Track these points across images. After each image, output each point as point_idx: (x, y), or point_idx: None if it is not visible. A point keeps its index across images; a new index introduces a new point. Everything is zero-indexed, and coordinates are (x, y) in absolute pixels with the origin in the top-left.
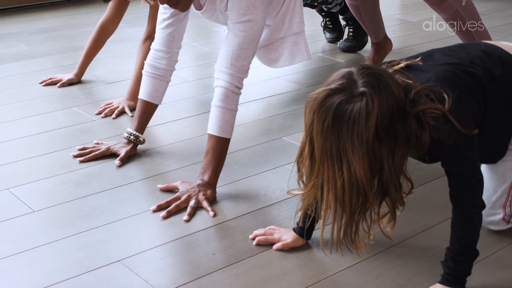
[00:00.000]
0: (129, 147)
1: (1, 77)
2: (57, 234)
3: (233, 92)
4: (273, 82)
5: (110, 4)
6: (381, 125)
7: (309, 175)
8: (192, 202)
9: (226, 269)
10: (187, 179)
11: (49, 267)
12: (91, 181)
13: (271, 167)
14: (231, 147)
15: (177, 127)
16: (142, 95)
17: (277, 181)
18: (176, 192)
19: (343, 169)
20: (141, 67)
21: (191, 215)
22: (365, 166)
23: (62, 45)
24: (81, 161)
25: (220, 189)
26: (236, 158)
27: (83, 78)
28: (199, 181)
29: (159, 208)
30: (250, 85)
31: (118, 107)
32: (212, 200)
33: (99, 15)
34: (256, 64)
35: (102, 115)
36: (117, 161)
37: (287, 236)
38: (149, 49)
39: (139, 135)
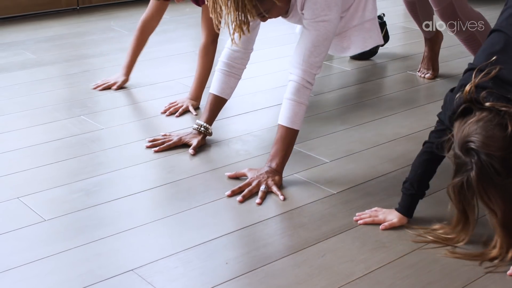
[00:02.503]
0: (199, 137)
1: (7, 86)
2: (69, 243)
3: (305, 86)
4: (281, 90)
5: (151, 2)
6: None
7: None
8: (262, 187)
9: (239, 278)
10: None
11: (61, 277)
12: (101, 190)
13: (284, 176)
14: (242, 156)
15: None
16: (215, 90)
17: (290, 190)
18: (244, 179)
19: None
20: (205, 70)
21: (263, 198)
22: None
23: (68, 53)
24: (156, 151)
25: (232, 198)
26: (238, 168)
27: (89, 86)
28: (266, 168)
29: (233, 193)
30: (258, 93)
31: (182, 105)
32: (280, 186)
33: (105, 23)
34: (264, 72)
35: (167, 113)
36: (190, 150)
37: (392, 216)
38: (212, 52)
39: (209, 126)
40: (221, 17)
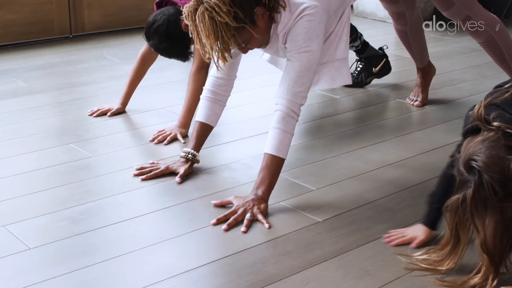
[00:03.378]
0: (187, 165)
1: None
2: (53, 271)
3: (290, 115)
4: (269, 118)
5: None
6: None
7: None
8: (248, 215)
9: None
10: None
11: None
12: (88, 217)
13: (268, 204)
14: (229, 183)
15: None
16: (201, 117)
17: (276, 218)
18: (230, 207)
19: None
20: (194, 98)
21: (248, 226)
22: None
23: (60, 81)
24: (143, 179)
25: (218, 226)
26: (233, 194)
27: (80, 114)
28: (252, 196)
29: (218, 222)
30: (247, 121)
31: (170, 133)
32: (266, 213)
33: (98, 51)
34: (253, 100)
35: (156, 141)
36: (177, 178)
37: (418, 232)
38: (202, 79)
39: (196, 154)
40: (205, 47)
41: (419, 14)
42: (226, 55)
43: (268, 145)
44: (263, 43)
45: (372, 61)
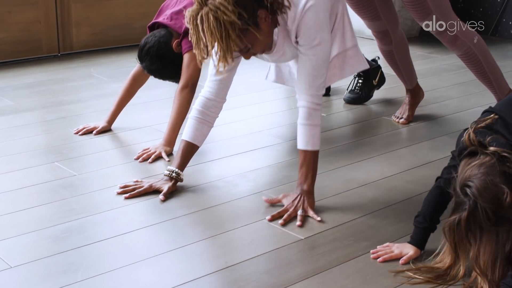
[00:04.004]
0: (170, 183)
1: None
2: None
3: (315, 109)
4: (255, 136)
5: None
6: None
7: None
8: (300, 211)
9: None
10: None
11: None
12: (70, 236)
13: (251, 221)
14: (212, 201)
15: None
16: (188, 137)
17: (258, 236)
18: (280, 205)
19: None
20: (180, 115)
21: (302, 221)
22: None
23: (47, 100)
24: (126, 198)
25: (201, 243)
26: (216, 213)
27: (66, 132)
28: (299, 191)
29: (273, 218)
30: (232, 139)
31: (155, 152)
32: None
33: (86, 69)
34: (238, 118)
35: (140, 159)
36: (161, 196)
37: (407, 249)
38: (188, 98)
39: (180, 172)
40: (204, 53)
41: (403, 34)
42: (228, 57)
43: (301, 142)
44: (266, 48)
45: (371, 74)
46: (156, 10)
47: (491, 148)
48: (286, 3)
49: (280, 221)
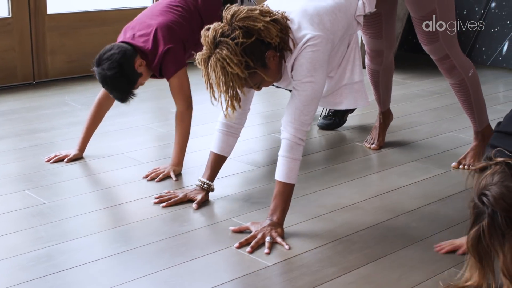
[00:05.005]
0: (203, 193)
1: None
2: None
3: (297, 143)
4: (228, 162)
5: None
6: None
7: None
8: (268, 238)
9: None
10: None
11: None
12: (37, 264)
13: (219, 248)
14: (180, 229)
15: (127, 209)
16: (216, 149)
17: (225, 262)
18: (248, 232)
19: None
20: (185, 136)
21: (270, 248)
22: None
23: (20, 128)
24: (164, 207)
25: (168, 271)
26: (184, 240)
27: (37, 161)
28: (268, 221)
29: (241, 245)
30: (203, 166)
31: (163, 171)
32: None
33: (60, 97)
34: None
35: (148, 178)
36: (194, 205)
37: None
38: (189, 117)
39: (211, 183)
40: (214, 94)
41: (393, 60)
42: (236, 103)
43: (279, 173)
44: (275, 80)
45: None
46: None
47: (498, 159)
48: (290, 44)
49: (248, 248)
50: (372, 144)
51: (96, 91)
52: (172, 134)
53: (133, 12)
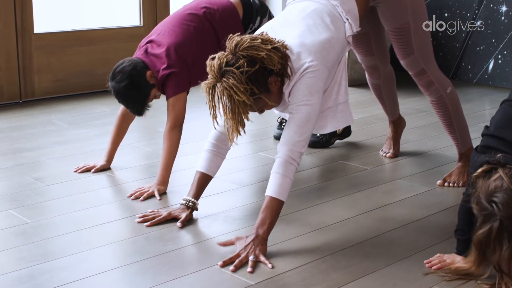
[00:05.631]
0: (188, 211)
1: None
2: None
3: (289, 162)
4: (212, 181)
5: None
6: None
7: None
8: (251, 257)
9: None
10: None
11: None
12: (19, 285)
13: (202, 267)
14: (163, 248)
15: (99, 231)
16: (203, 168)
17: (213, 282)
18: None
19: None
20: (171, 155)
21: (253, 267)
22: None
23: (5, 147)
24: (147, 226)
25: None
26: (167, 259)
27: (22, 180)
28: (253, 236)
29: (225, 264)
30: (188, 185)
31: (148, 191)
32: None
33: (46, 116)
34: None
35: (132, 197)
36: (178, 223)
37: (458, 258)
38: (177, 137)
39: (196, 202)
40: (218, 120)
41: (392, 70)
42: (241, 129)
43: (269, 188)
44: (276, 104)
45: None
46: (120, 58)
47: (508, 165)
48: (289, 71)
49: (231, 267)
50: (387, 153)
51: (82, 110)
52: (159, 153)
53: (120, 32)
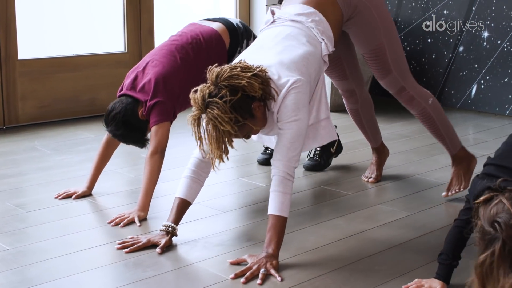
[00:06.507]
0: (167, 237)
1: None
2: None
3: (286, 178)
4: (193, 207)
5: None
6: None
7: None
8: (262, 270)
9: None
10: None
11: None
12: None
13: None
14: (142, 274)
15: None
16: (182, 194)
17: None
18: (245, 264)
19: None
20: (151, 181)
21: (263, 279)
22: None
23: None
24: (126, 252)
25: None
26: (147, 285)
27: (3, 207)
28: (264, 254)
29: (236, 276)
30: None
31: (128, 217)
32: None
33: (30, 142)
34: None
35: (113, 223)
36: (158, 249)
37: (435, 284)
38: (158, 163)
39: (175, 227)
40: (204, 150)
41: (368, 95)
42: (224, 156)
43: (271, 207)
44: (261, 128)
45: (329, 143)
46: (104, 84)
47: (508, 188)
48: (273, 93)
49: (242, 279)
50: (369, 178)
51: (66, 136)
52: (141, 179)
53: (105, 58)
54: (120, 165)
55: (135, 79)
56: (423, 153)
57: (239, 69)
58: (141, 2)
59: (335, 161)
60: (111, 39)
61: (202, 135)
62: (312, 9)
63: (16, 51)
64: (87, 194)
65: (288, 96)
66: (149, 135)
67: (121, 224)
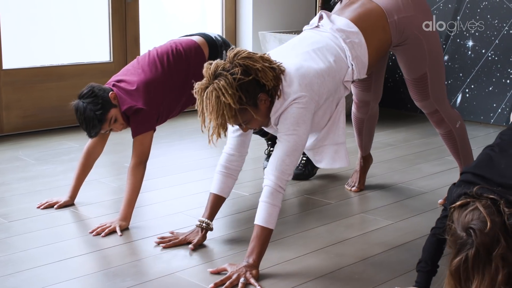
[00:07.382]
0: (201, 234)
1: None
2: None
3: (277, 190)
4: (178, 217)
5: None
6: None
7: None
8: (242, 279)
9: None
10: None
11: None
12: None
13: None
14: (122, 284)
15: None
16: (216, 190)
17: None
18: (225, 273)
19: None
20: (134, 191)
21: None
22: None
23: None
24: (164, 247)
25: None
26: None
27: None
28: (245, 263)
29: (216, 286)
30: (153, 220)
31: (109, 226)
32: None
33: (13, 152)
34: (160, 199)
35: (94, 233)
36: (191, 246)
37: None
38: (141, 173)
39: (210, 222)
40: (204, 122)
41: (377, 110)
42: (222, 132)
43: (258, 217)
44: (263, 124)
45: None
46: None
47: (484, 195)
48: (279, 92)
49: None
50: (353, 187)
51: (51, 146)
52: (124, 189)
53: (90, 67)
54: (103, 175)
55: (118, 84)
56: (407, 162)
57: (259, 55)
58: (126, 11)
59: (319, 170)
60: (97, 48)
61: (204, 107)
62: (355, 29)
63: (0, 60)
64: (69, 203)
65: (290, 109)
66: (107, 130)
67: (103, 234)
